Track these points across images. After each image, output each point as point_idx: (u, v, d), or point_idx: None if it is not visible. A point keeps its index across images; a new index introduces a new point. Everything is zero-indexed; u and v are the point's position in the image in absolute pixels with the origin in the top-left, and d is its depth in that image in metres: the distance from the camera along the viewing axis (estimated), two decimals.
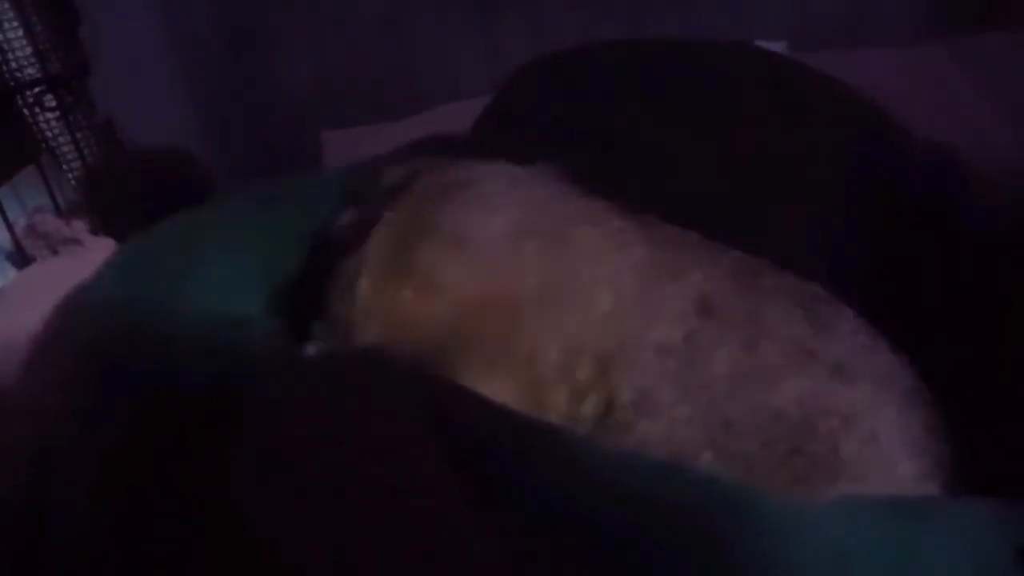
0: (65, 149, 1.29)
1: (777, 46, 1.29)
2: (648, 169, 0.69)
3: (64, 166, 1.31)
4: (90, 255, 1.09)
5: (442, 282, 0.56)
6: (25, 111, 1.25)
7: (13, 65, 1.24)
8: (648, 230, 0.60)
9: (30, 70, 1.26)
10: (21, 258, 1.16)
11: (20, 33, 1.24)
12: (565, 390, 0.53)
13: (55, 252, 1.11)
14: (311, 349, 0.57)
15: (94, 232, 1.12)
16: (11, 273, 1.16)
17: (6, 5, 1.22)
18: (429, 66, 1.49)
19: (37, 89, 1.26)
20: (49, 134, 1.29)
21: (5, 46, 1.24)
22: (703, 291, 0.55)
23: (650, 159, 0.71)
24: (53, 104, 1.27)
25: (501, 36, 1.46)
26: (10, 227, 1.17)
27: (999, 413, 0.57)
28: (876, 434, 0.50)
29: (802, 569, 0.41)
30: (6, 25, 1.23)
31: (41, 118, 1.27)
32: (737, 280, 0.57)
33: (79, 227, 1.12)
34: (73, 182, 1.31)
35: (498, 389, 0.51)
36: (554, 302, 0.55)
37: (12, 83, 1.23)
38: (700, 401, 0.52)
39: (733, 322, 0.54)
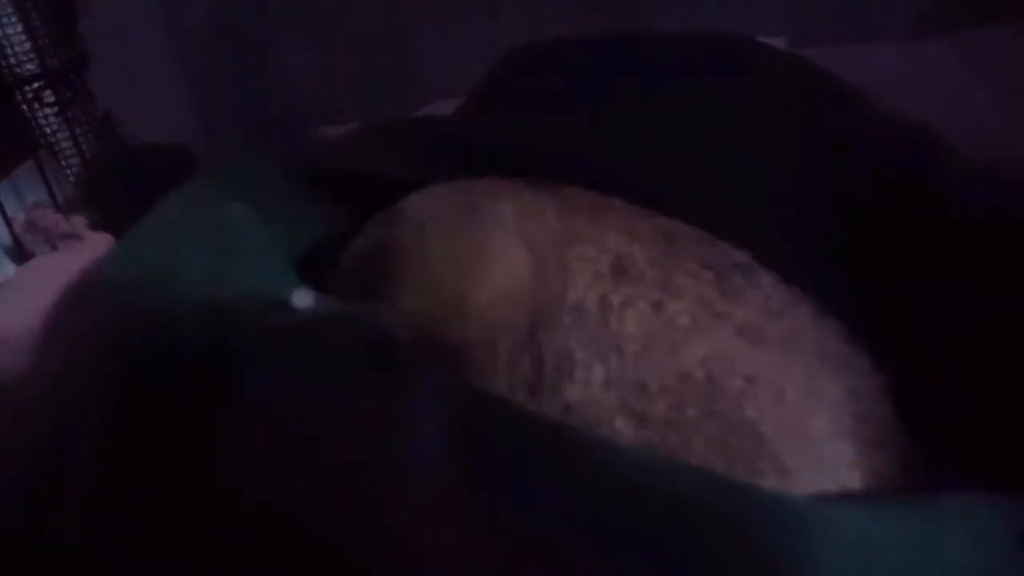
0: (64, 144, 1.29)
1: (778, 41, 1.29)
2: (622, 147, 0.72)
3: (63, 161, 1.31)
4: (89, 250, 1.08)
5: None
6: (23, 106, 1.25)
7: (12, 61, 1.24)
8: (562, 199, 0.61)
9: (29, 66, 1.25)
10: (20, 253, 1.15)
11: (19, 29, 1.24)
12: (508, 344, 0.54)
13: (54, 247, 1.11)
14: (303, 300, 0.58)
15: (93, 227, 1.11)
16: (10, 268, 1.15)
17: (5, 0, 1.21)
18: (429, 62, 1.49)
19: (36, 85, 1.25)
20: (48, 129, 1.28)
21: (4, 42, 1.23)
22: (619, 253, 0.56)
23: (622, 138, 0.74)
24: (52, 100, 1.26)
25: (501, 34, 1.46)
26: (9, 222, 1.17)
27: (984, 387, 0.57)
28: (783, 393, 0.51)
29: (827, 560, 0.40)
30: (4, 21, 1.23)
31: (40, 113, 1.26)
32: (653, 245, 0.58)
33: (78, 222, 1.12)
34: (72, 177, 1.31)
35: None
36: (482, 271, 0.57)
37: (11, 79, 1.23)
38: (613, 363, 0.52)
39: (646, 283, 0.55)
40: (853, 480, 0.49)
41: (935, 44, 1.20)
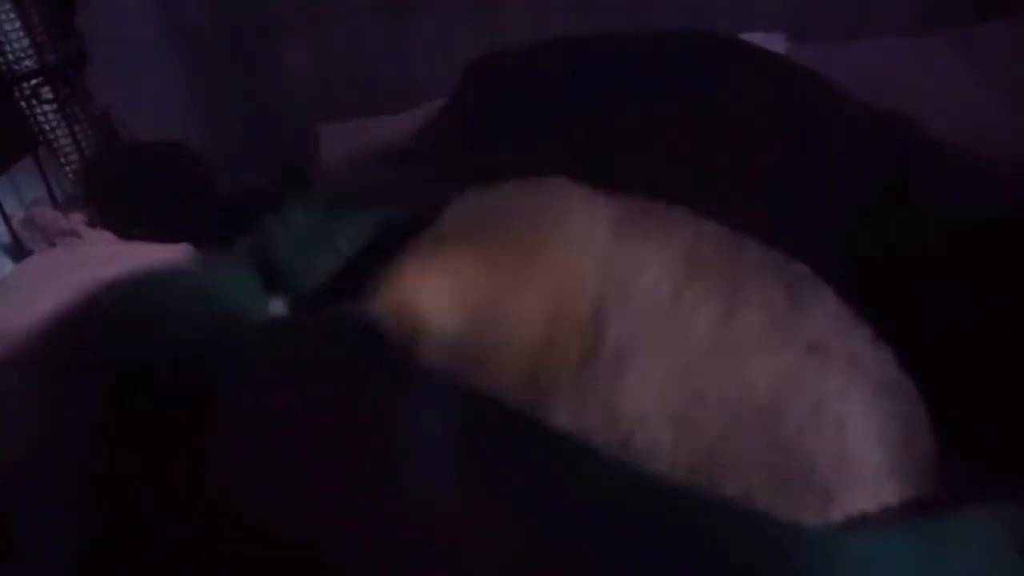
0: (63, 141, 1.29)
1: (777, 38, 1.29)
2: (601, 157, 0.69)
3: (62, 158, 1.30)
4: (88, 247, 1.08)
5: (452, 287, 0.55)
6: (22, 103, 1.25)
7: (10, 57, 1.23)
8: (621, 200, 0.59)
9: (27, 62, 1.25)
10: (19, 250, 1.15)
11: (17, 25, 1.24)
12: (567, 327, 0.51)
13: (52, 244, 1.11)
14: (279, 307, 0.57)
15: (91, 224, 1.11)
16: (8, 265, 1.15)
17: None
18: (427, 60, 1.49)
19: (34, 81, 1.25)
20: (46, 126, 1.28)
21: (2, 39, 1.23)
22: (691, 246, 0.54)
23: (598, 149, 0.71)
24: (50, 96, 1.26)
25: (500, 32, 1.46)
26: (7, 219, 1.17)
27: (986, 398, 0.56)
28: (843, 421, 0.48)
29: None
30: (3, 17, 1.23)
31: (38, 110, 1.26)
32: (721, 247, 0.55)
33: (76, 219, 1.12)
34: (71, 174, 1.31)
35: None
36: (546, 254, 0.54)
37: (9, 75, 1.23)
38: (678, 360, 0.50)
39: (717, 285, 0.52)
40: (892, 507, 0.48)
41: (935, 40, 1.20)
